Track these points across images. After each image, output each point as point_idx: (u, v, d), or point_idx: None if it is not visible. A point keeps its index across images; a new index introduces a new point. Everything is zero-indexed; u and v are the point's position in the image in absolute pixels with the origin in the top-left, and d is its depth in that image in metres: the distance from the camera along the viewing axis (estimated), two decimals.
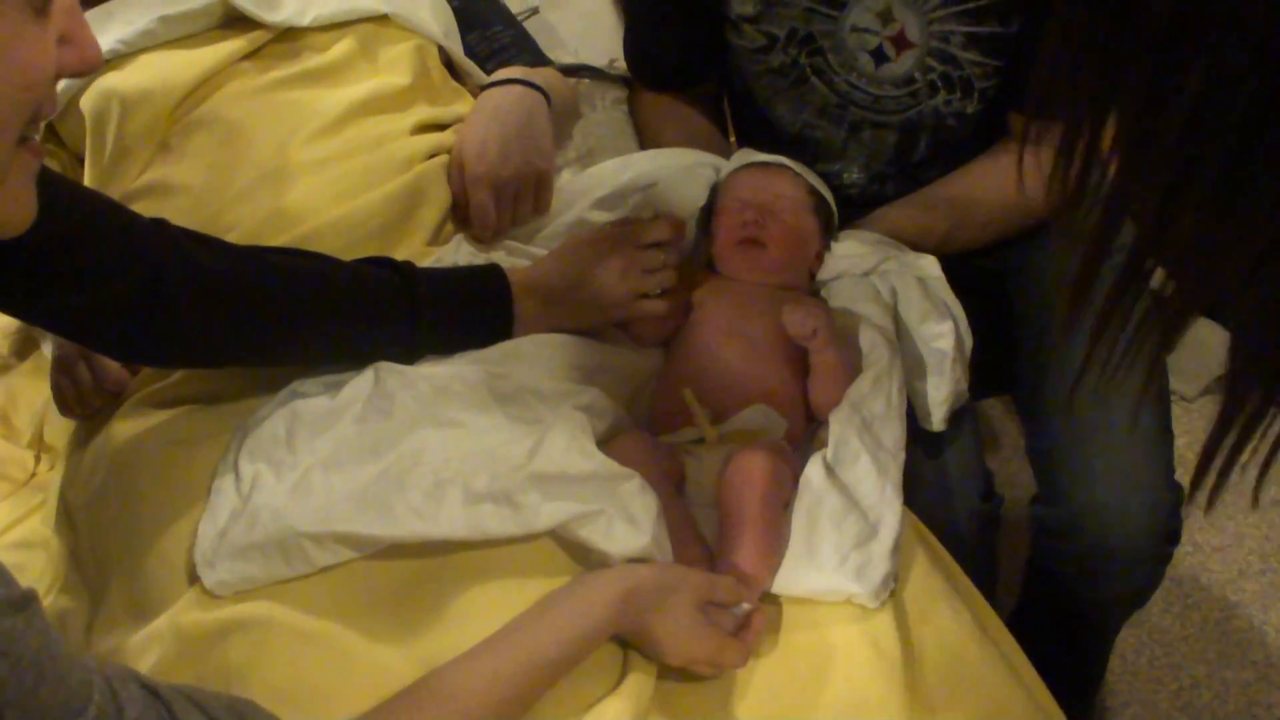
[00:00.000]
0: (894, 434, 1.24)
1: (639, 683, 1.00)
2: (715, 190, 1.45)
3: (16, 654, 0.61)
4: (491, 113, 1.38)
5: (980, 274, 1.44)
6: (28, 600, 0.65)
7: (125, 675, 0.72)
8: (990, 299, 1.41)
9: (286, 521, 1.01)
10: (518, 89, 1.41)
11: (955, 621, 1.12)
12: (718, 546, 1.13)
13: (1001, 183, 1.51)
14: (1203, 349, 2.29)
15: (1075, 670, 1.72)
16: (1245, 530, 2.22)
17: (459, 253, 1.30)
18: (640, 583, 1.01)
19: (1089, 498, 1.41)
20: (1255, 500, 0.76)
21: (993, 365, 1.45)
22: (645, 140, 1.65)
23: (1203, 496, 0.69)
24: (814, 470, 1.18)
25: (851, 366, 1.29)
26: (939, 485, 1.36)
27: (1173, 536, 1.46)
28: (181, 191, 1.27)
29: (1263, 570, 2.17)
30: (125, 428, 1.17)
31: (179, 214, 1.23)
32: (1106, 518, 1.41)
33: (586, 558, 1.07)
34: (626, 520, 1.05)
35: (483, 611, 1.01)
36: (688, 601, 1.01)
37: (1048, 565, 1.56)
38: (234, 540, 1.01)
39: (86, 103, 1.33)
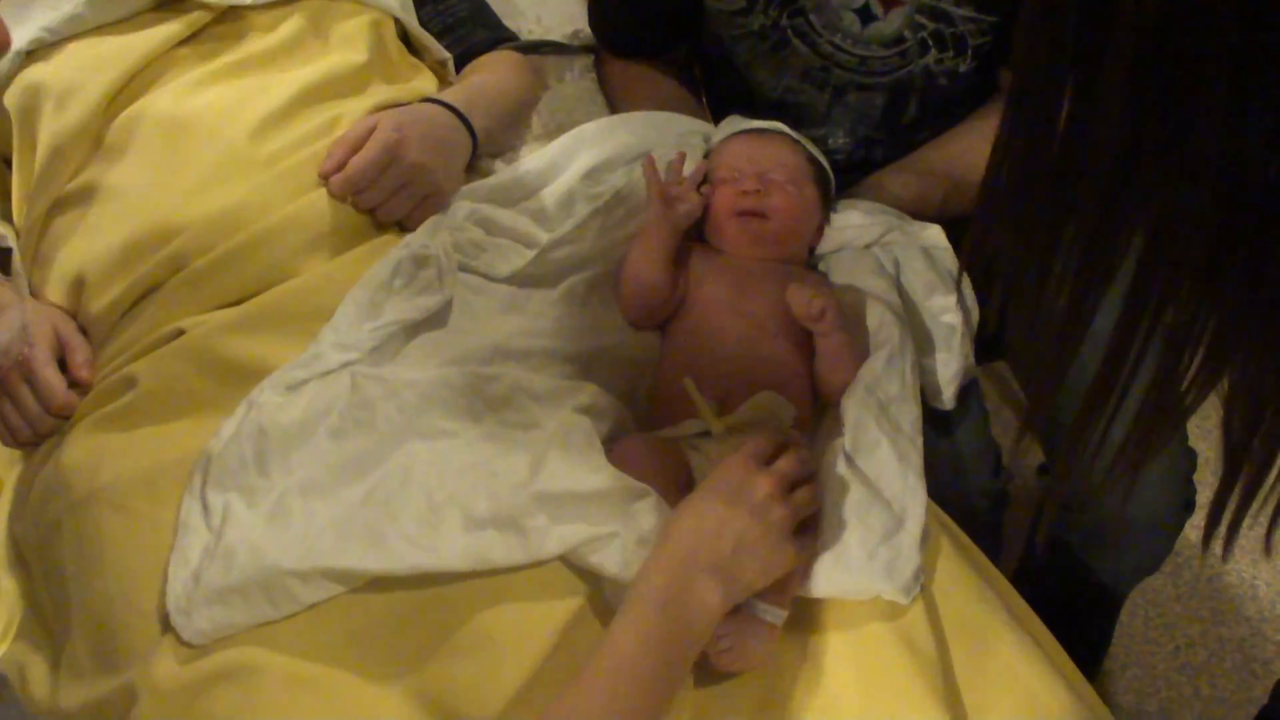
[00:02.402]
0: (911, 415, 1.16)
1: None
2: (708, 158, 1.35)
3: None
4: (424, 115, 1.27)
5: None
6: None
7: None
8: (988, 267, 1.34)
9: (267, 559, 0.92)
10: (454, 118, 1.30)
11: (986, 611, 1.07)
12: None
13: None
14: None
15: (1081, 641, 1.67)
16: None
17: (435, 240, 1.19)
18: (685, 546, 0.92)
19: (1102, 467, 1.35)
20: (1267, 549, 0.73)
21: (991, 334, 1.37)
22: (618, 110, 1.55)
23: (1218, 546, 0.71)
24: (832, 461, 1.10)
25: (859, 345, 1.22)
26: (951, 465, 1.30)
27: (1189, 504, 1.41)
28: (121, 194, 1.16)
29: (1250, 525, 2.12)
30: (77, 455, 1.07)
31: (120, 219, 1.13)
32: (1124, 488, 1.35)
33: (599, 576, 0.98)
34: (640, 542, 0.97)
35: (490, 639, 0.93)
36: (744, 521, 0.93)
37: (1056, 537, 1.50)
38: (210, 583, 0.92)
39: (11, 99, 1.21)
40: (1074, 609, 1.57)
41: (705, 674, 0.99)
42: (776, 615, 0.99)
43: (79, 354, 1.12)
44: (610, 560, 0.96)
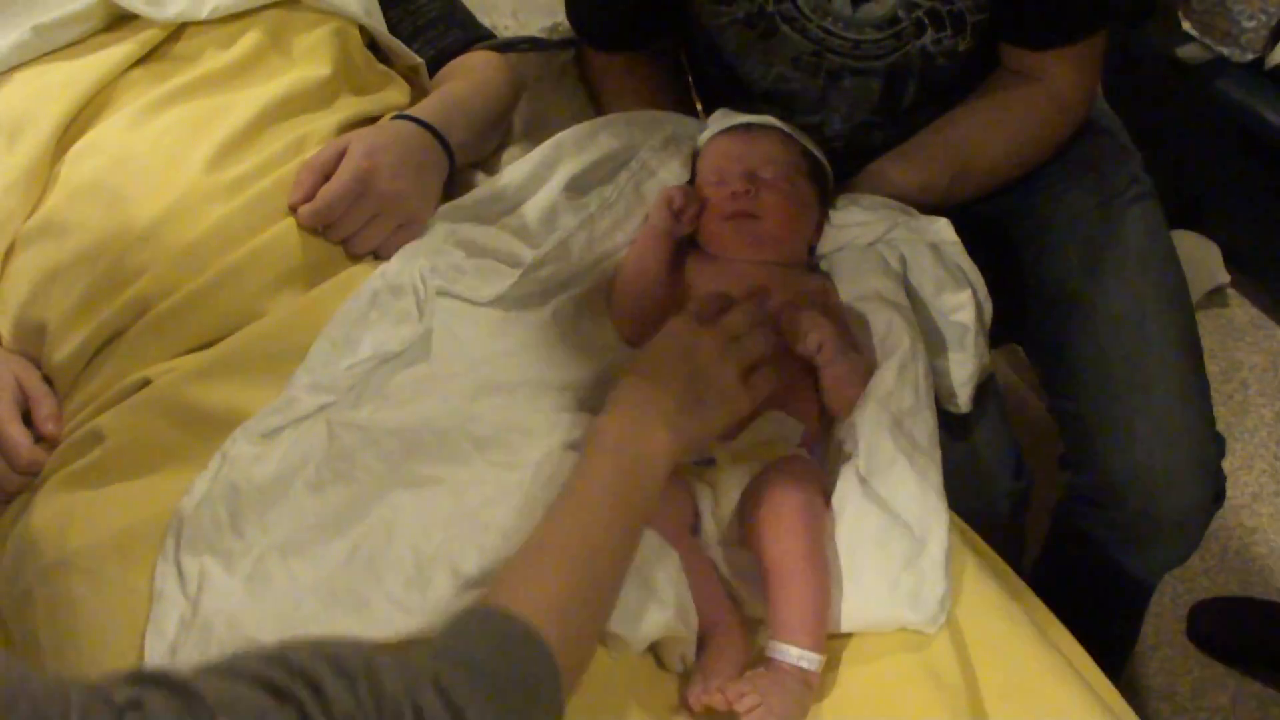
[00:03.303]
0: (927, 427, 1.10)
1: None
2: (695, 158, 1.28)
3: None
4: (397, 137, 1.20)
5: (976, 220, 1.31)
6: None
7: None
8: (990, 246, 1.28)
9: (245, 631, 0.87)
10: (429, 137, 1.22)
11: (1013, 630, 1.02)
12: (766, 600, 0.99)
13: (1004, 123, 1.37)
14: (1193, 264, 2.20)
15: (1108, 636, 1.62)
16: (1255, 453, 2.14)
17: (412, 267, 1.13)
18: (633, 401, 0.95)
19: (1131, 463, 1.32)
20: None
21: (997, 317, 1.31)
22: (602, 107, 1.47)
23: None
24: (847, 487, 1.05)
25: (866, 361, 1.16)
26: (971, 471, 1.24)
27: (1219, 495, 1.36)
28: (76, 231, 1.09)
29: (1276, 492, 2.09)
30: (46, 516, 1.00)
31: (79, 261, 1.07)
32: (1152, 483, 1.31)
33: None
34: (645, 591, 0.92)
35: None
36: (689, 378, 0.96)
37: (1081, 532, 1.44)
38: (187, 659, 0.87)
39: None
40: (1103, 605, 1.52)
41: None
42: (812, 660, 0.94)
43: (44, 407, 1.05)
44: (618, 617, 0.90)
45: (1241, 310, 2.40)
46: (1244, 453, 2.12)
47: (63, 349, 1.06)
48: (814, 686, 0.95)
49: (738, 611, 0.99)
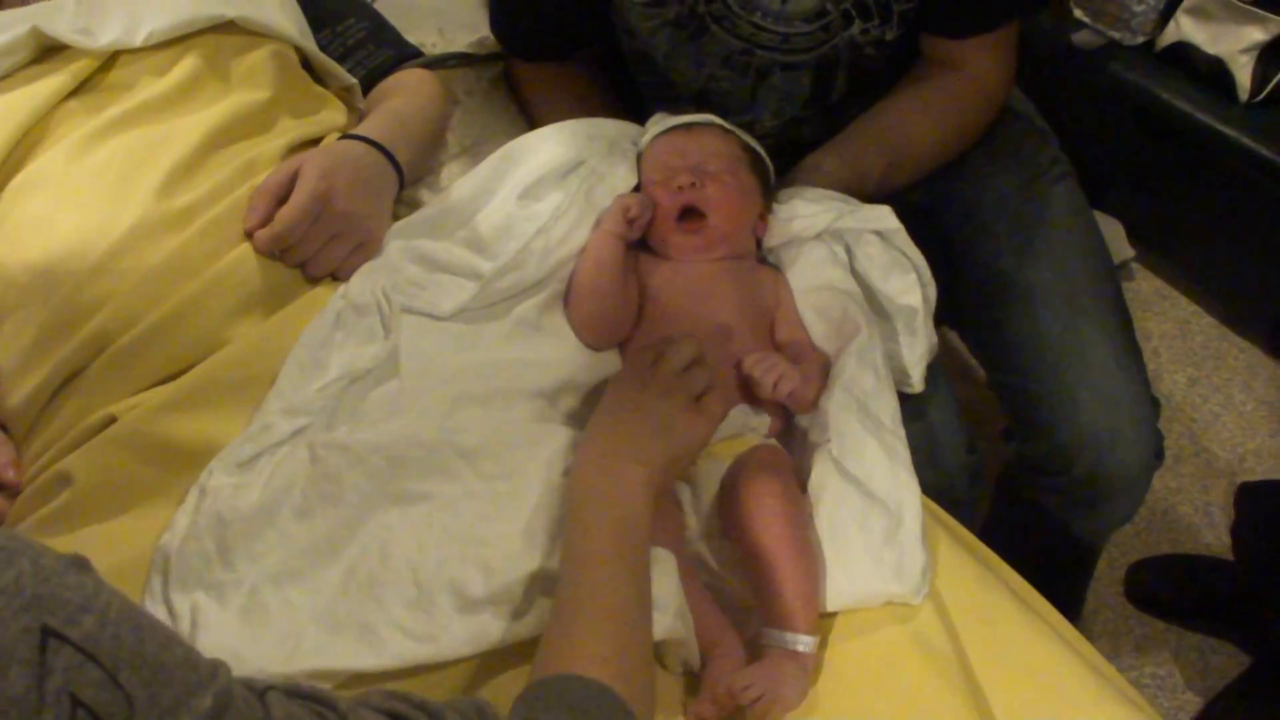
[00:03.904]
0: (890, 407, 1.13)
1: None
2: (638, 162, 1.28)
3: (100, 607, 0.52)
4: (348, 156, 1.19)
5: (908, 209, 1.34)
6: (85, 561, 0.55)
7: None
8: (922, 234, 1.31)
9: (249, 666, 0.85)
10: (379, 155, 1.21)
11: (991, 597, 1.06)
12: (756, 588, 1.00)
13: (930, 112, 1.41)
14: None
15: (1061, 598, 1.66)
16: (1172, 416, 2.23)
17: (372, 285, 1.12)
18: (596, 452, 0.96)
19: (1076, 428, 1.35)
20: None
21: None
22: (533, 118, 1.47)
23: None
24: (824, 471, 1.07)
25: (822, 343, 1.20)
26: (927, 448, 1.26)
27: (1159, 452, 1.41)
28: (22, 269, 1.04)
29: (1195, 452, 2.17)
30: None
31: (27, 296, 1.04)
32: (1098, 446, 1.35)
33: None
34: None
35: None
36: (642, 417, 0.98)
37: (1028, 500, 1.49)
38: None
39: None
40: (1051, 568, 1.56)
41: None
42: (807, 643, 0.95)
43: (1, 454, 1.02)
44: None
45: (1147, 283, 2.48)
46: (1162, 417, 2.17)
47: (18, 392, 1.03)
48: (810, 669, 0.96)
49: (734, 630, 0.99)
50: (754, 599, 1.00)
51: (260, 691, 0.58)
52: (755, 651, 0.97)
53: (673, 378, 1.02)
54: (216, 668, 0.57)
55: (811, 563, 1.00)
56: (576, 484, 0.95)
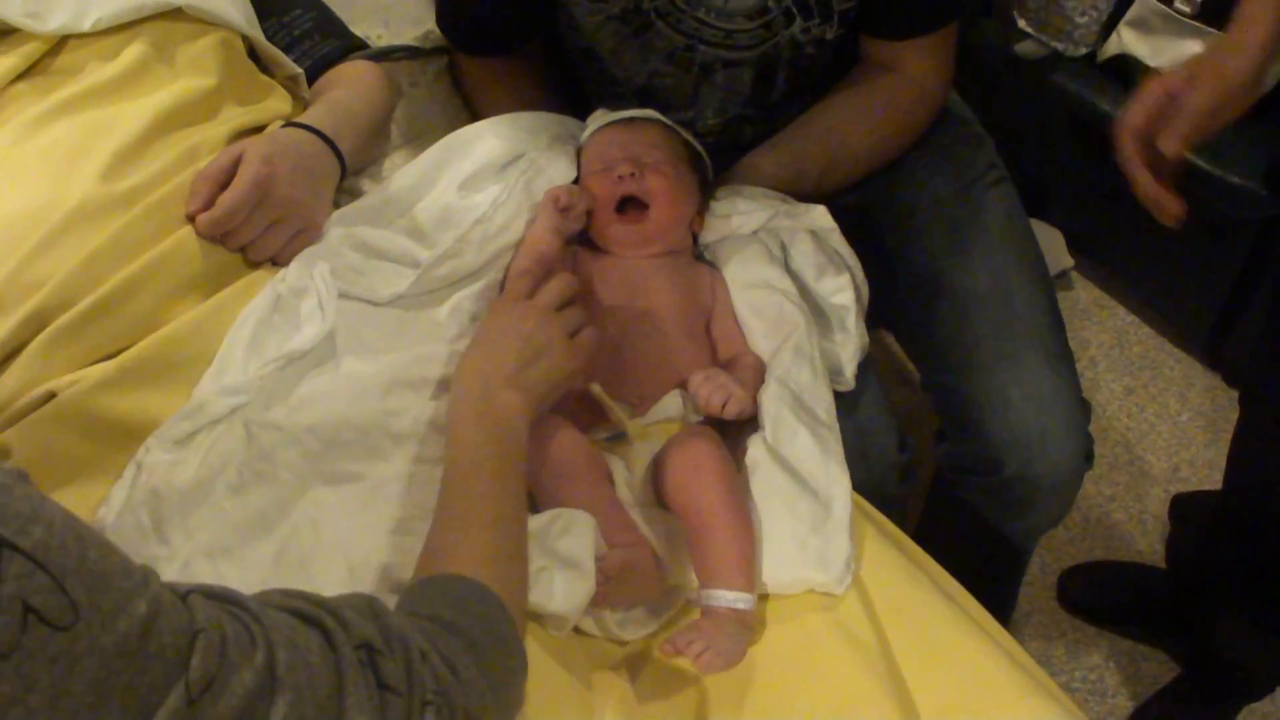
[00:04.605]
0: (825, 401, 1.17)
1: (609, 683, 0.97)
2: (578, 156, 1.31)
3: (47, 518, 0.54)
4: (291, 144, 1.20)
5: (845, 210, 1.37)
6: (25, 473, 0.58)
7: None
8: (858, 235, 1.34)
9: None
10: (321, 144, 1.23)
11: (917, 592, 1.08)
12: (695, 549, 1.04)
13: (869, 113, 1.44)
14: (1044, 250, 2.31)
15: (987, 603, 1.69)
16: (1108, 424, 2.26)
17: (311, 270, 1.13)
18: (475, 375, 1.02)
19: (1006, 429, 1.37)
20: None
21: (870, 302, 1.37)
22: (476, 111, 1.49)
23: None
24: (756, 453, 1.10)
25: (757, 340, 1.23)
26: (858, 444, 1.29)
27: (1089, 455, 1.43)
28: None
29: (1130, 460, 2.21)
30: None
31: None
32: (1028, 447, 1.37)
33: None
34: (567, 568, 0.95)
35: None
36: (519, 343, 1.04)
37: (959, 500, 1.51)
38: None
39: None
40: (981, 569, 1.59)
41: (639, 677, 1.00)
42: (746, 600, 0.99)
43: None
44: (542, 597, 0.94)
45: (1085, 292, 2.53)
46: (1097, 425, 2.22)
47: None
48: (752, 626, 1.00)
49: (652, 555, 1.03)
50: (693, 560, 1.03)
51: (183, 594, 0.62)
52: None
53: (551, 310, 1.09)
54: (147, 574, 0.60)
55: (748, 525, 1.04)
56: (457, 404, 1.00)
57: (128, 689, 0.55)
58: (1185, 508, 1.99)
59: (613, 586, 0.97)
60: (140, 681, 0.56)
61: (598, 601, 0.97)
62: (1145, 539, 2.08)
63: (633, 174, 1.23)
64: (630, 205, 1.24)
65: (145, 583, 0.58)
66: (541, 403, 1.05)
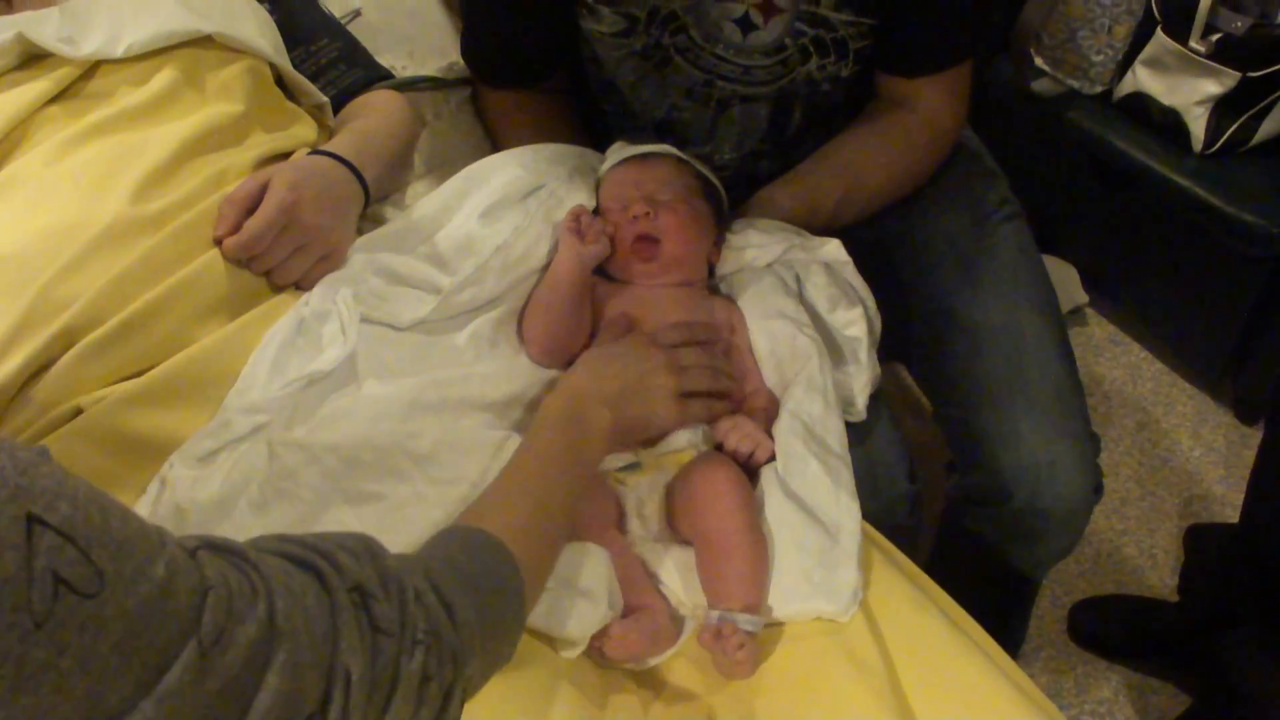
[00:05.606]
0: (837, 432, 1.18)
1: (621, 704, 0.97)
2: (596, 189, 1.34)
3: (71, 493, 0.58)
4: (317, 171, 1.23)
5: (860, 245, 1.39)
6: (47, 450, 0.61)
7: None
8: (873, 270, 1.36)
9: None
10: (347, 172, 1.26)
11: (923, 617, 1.08)
12: (709, 572, 1.06)
13: (884, 148, 1.46)
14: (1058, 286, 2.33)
15: (1001, 630, 1.70)
16: (1120, 460, 2.26)
17: (335, 295, 1.15)
18: (579, 384, 1.08)
19: (1015, 460, 1.38)
20: None
21: (881, 336, 1.39)
22: (499, 141, 1.52)
23: None
24: (766, 486, 1.12)
25: (770, 371, 1.25)
26: (868, 475, 1.30)
27: (1098, 488, 1.44)
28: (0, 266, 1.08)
29: (1141, 496, 2.21)
30: None
31: (1, 290, 1.06)
32: (1037, 479, 1.38)
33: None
34: (578, 595, 0.97)
35: None
36: (632, 374, 1.10)
37: (969, 532, 1.52)
38: None
39: None
40: (992, 601, 1.60)
41: (649, 698, 1.00)
42: (754, 623, 1.01)
43: None
44: (553, 622, 0.96)
45: (1100, 328, 2.54)
46: (1110, 460, 2.24)
47: None
48: (756, 648, 1.01)
49: (666, 608, 1.04)
50: (704, 582, 1.05)
51: (192, 550, 0.65)
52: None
53: (676, 364, 1.14)
54: (163, 535, 0.63)
55: (762, 547, 1.06)
56: (548, 406, 1.06)
57: (148, 648, 0.59)
58: (1200, 538, 2.00)
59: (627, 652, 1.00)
60: (159, 640, 0.59)
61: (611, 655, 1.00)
62: (1156, 573, 2.08)
63: (647, 213, 1.26)
64: (644, 241, 1.26)
65: (162, 544, 0.62)
66: (626, 437, 1.10)
